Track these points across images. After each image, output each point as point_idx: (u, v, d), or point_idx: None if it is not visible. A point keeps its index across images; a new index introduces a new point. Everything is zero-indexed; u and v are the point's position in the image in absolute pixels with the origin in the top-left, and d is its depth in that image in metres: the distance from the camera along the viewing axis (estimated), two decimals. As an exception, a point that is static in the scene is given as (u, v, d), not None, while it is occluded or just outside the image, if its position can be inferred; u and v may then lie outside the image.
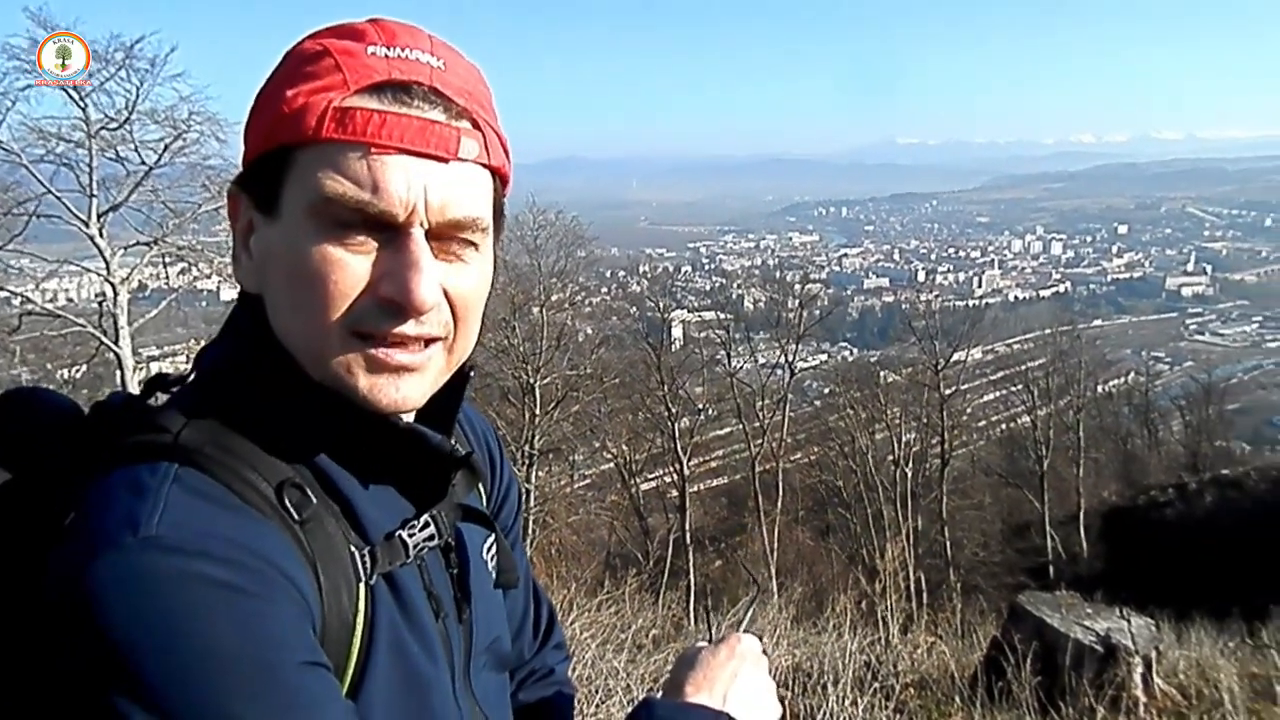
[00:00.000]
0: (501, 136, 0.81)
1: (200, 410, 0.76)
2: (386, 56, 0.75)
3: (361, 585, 0.76)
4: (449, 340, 0.80)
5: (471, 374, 0.89)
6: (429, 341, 0.78)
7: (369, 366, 0.76)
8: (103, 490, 0.70)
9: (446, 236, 0.77)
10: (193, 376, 0.83)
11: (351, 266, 0.74)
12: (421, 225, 0.75)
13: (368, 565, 0.77)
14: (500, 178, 0.82)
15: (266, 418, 0.77)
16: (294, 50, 0.79)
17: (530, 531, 18.66)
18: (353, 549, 0.77)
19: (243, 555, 0.66)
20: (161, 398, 0.83)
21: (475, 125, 0.78)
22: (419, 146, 0.74)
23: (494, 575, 0.96)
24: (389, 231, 0.74)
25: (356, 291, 0.74)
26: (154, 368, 18.69)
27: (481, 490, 1.01)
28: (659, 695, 0.98)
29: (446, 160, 0.75)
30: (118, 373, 14.23)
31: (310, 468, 0.78)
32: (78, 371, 16.28)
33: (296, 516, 0.73)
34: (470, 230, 0.78)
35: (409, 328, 0.76)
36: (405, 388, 0.77)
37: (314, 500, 0.76)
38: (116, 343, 13.56)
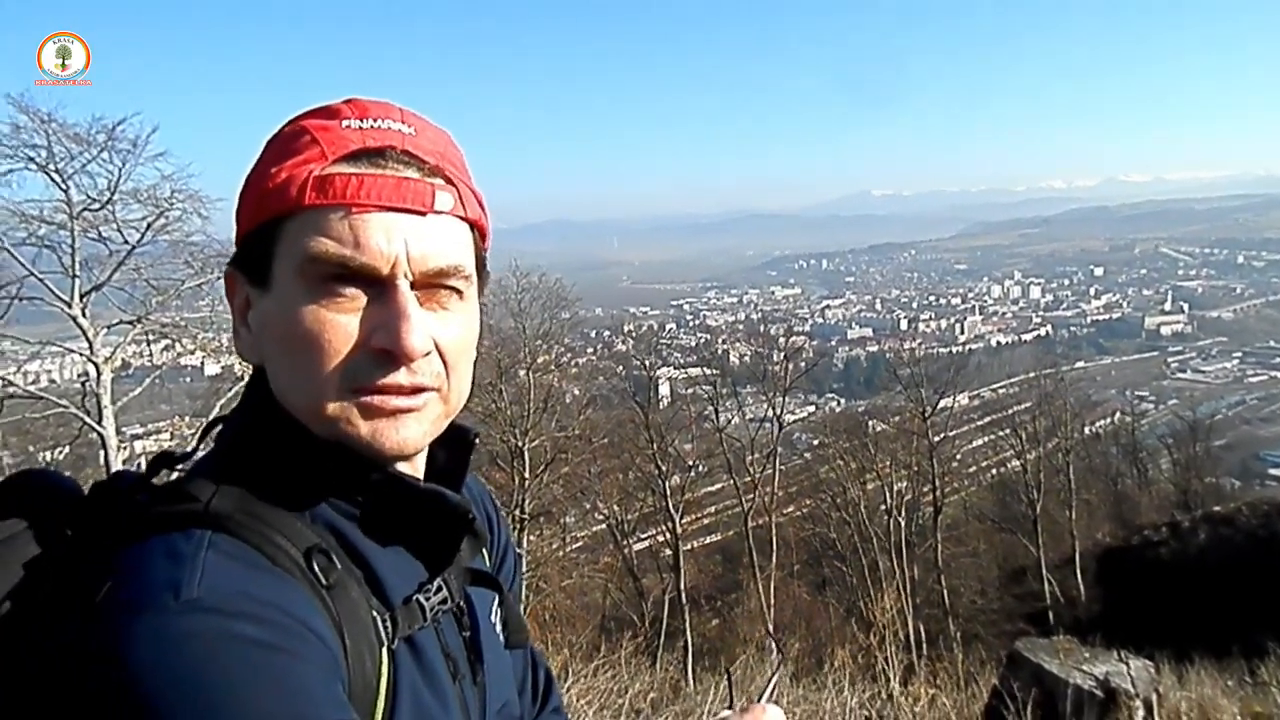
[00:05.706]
0: (476, 192, 0.85)
1: (226, 479, 0.79)
2: (360, 128, 0.80)
3: (384, 649, 0.78)
4: (443, 391, 0.82)
5: (476, 440, 0.92)
6: (422, 389, 0.80)
7: (366, 414, 0.79)
8: (139, 557, 0.71)
9: (432, 286, 0.80)
10: (211, 448, 0.85)
11: (341, 324, 0.77)
12: (406, 277, 0.78)
13: (389, 630, 0.79)
14: (478, 231, 0.86)
15: (289, 485, 0.80)
16: (275, 135, 0.84)
17: (524, 597, 18.36)
18: (374, 614, 0.79)
19: (277, 614, 0.68)
20: (168, 474, 0.86)
21: (449, 181, 0.82)
22: (396, 202, 0.78)
23: (501, 637, 0.97)
24: (376, 286, 0.78)
25: (349, 347, 0.77)
26: (138, 446, 18.51)
27: (485, 554, 1.04)
28: None
29: (424, 213, 0.79)
30: (101, 453, 14.07)
31: (333, 533, 0.81)
32: (60, 453, 16.10)
33: (324, 581, 0.76)
34: (454, 277, 0.81)
35: (402, 376, 0.78)
36: (404, 430, 0.80)
37: (338, 566, 0.78)
38: (100, 423, 13.41)
